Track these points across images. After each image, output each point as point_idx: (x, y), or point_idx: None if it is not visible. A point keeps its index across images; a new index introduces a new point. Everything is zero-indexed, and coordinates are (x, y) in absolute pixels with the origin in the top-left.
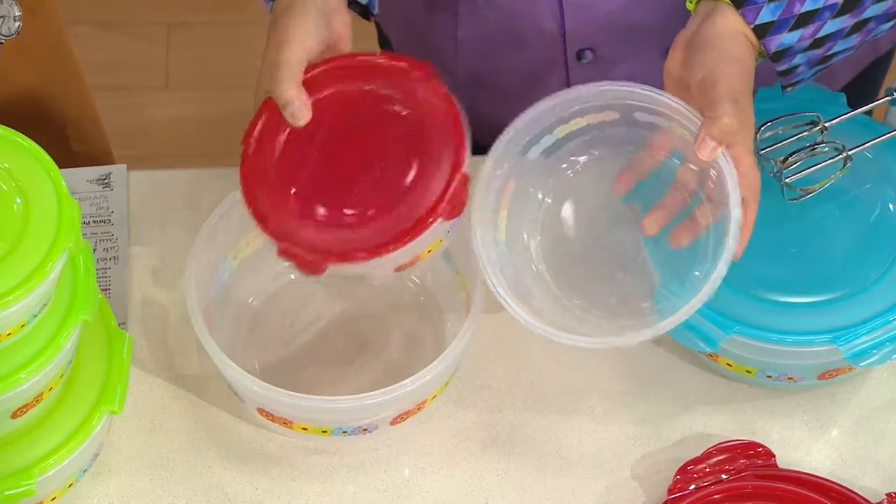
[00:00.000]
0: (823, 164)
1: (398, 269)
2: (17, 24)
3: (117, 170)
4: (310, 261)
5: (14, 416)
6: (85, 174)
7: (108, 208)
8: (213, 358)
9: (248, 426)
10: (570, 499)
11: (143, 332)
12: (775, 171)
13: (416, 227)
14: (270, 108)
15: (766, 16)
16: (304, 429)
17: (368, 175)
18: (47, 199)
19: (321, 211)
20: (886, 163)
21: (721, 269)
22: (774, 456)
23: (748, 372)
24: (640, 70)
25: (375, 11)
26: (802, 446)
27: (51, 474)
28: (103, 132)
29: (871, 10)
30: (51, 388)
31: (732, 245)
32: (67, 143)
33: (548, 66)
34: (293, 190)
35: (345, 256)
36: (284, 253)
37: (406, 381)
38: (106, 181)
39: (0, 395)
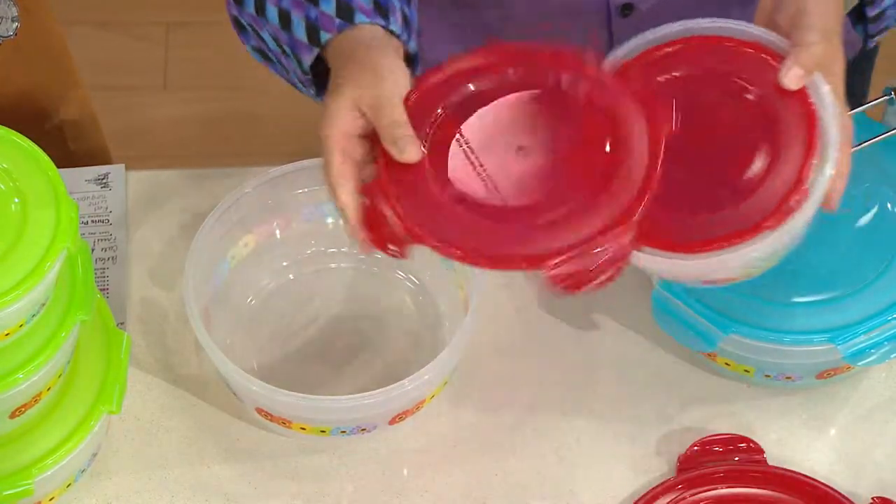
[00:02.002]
0: None
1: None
2: (14, 25)
3: (115, 170)
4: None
5: (12, 415)
6: (83, 174)
7: (106, 208)
8: (212, 358)
9: (246, 426)
10: (568, 498)
11: (141, 332)
12: None
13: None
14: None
15: None
16: (302, 428)
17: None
18: (45, 199)
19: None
20: (884, 162)
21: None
22: (763, 451)
23: (746, 371)
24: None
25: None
26: (801, 445)
27: (49, 474)
28: (101, 132)
29: None
30: (49, 388)
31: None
32: (65, 142)
33: (589, 32)
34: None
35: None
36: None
37: (404, 380)
38: (104, 181)
39: None
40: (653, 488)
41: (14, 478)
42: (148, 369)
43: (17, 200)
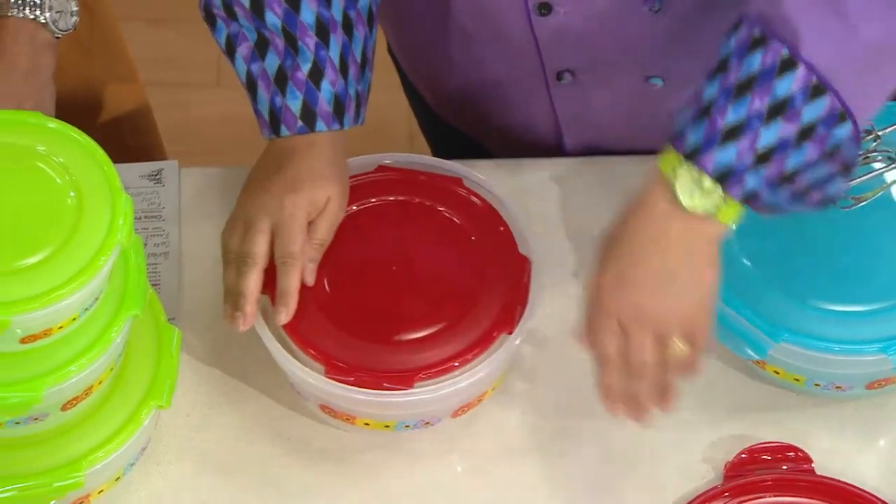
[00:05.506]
0: (876, 172)
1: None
2: (73, 20)
3: (169, 165)
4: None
5: (64, 408)
6: (137, 170)
7: (159, 204)
8: (275, 355)
9: (297, 420)
10: (614, 503)
11: (192, 328)
12: None
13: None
14: None
15: (692, 138)
16: (366, 424)
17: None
18: (101, 194)
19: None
20: None
21: None
22: (812, 461)
23: (796, 380)
24: (622, 92)
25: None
26: (849, 456)
27: (99, 467)
28: (156, 128)
29: (809, 113)
30: (100, 382)
31: None
32: (121, 137)
33: (531, 85)
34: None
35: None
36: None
37: (465, 374)
38: (157, 177)
39: (51, 388)
40: (699, 495)
41: (65, 470)
42: (198, 364)
43: (72, 194)
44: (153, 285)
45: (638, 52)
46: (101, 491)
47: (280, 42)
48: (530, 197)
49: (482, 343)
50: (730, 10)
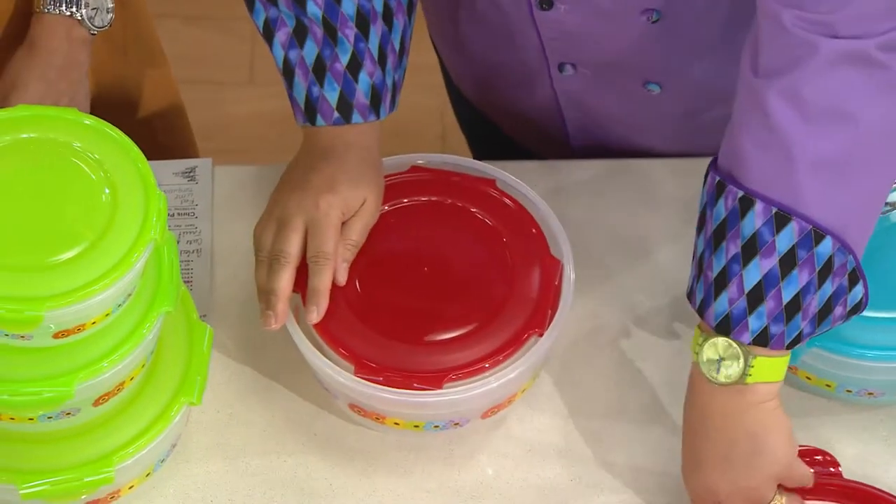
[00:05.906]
0: None
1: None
2: (109, 17)
3: (202, 163)
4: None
5: (96, 403)
6: (171, 167)
7: (192, 201)
8: (306, 355)
9: (326, 419)
10: None
11: (224, 325)
12: None
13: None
14: None
15: (698, 297)
16: (396, 423)
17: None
18: (135, 191)
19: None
20: None
21: None
22: (839, 465)
23: (828, 386)
24: (620, 92)
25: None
26: (880, 462)
27: (129, 463)
28: (189, 126)
29: (782, 243)
30: (132, 378)
31: None
32: (155, 134)
33: (536, 71)
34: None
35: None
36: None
37: (495, 375)
38: (191, 174)
39: (83, 383)
40: None
41: (96, 465)
42: (229, 362)
43: (107, 191)
44: (185, 282)
45: (635, 58)
46: (132, 486)
47: (319, 31)
48: (563, 199)
49: (513, 344)
50: (726, 26)
